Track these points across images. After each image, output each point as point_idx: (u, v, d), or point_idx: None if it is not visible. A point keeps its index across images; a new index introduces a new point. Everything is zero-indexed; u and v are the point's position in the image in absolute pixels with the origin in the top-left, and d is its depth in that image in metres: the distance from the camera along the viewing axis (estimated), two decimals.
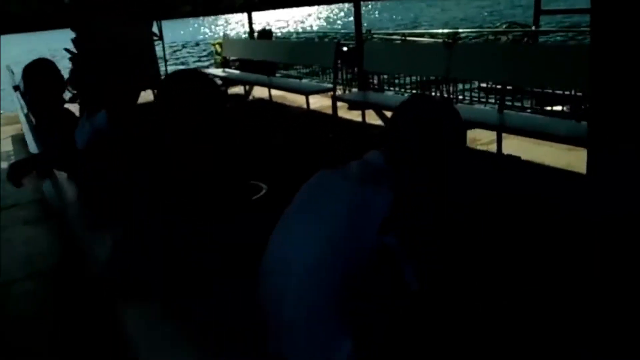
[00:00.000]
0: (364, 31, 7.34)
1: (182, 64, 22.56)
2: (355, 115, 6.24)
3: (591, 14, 1.33)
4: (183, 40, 34.43)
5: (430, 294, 1.32)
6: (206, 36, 27.34)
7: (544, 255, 2.59)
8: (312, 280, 1.22)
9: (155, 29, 9.12)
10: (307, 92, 6.33)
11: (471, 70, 4.69)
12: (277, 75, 9.32)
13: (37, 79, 2.48)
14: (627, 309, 1.47)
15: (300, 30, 25.03)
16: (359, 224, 1.21)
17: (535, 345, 1.95)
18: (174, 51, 30.50)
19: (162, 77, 9.21)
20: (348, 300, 1.21)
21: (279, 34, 13.12)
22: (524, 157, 4.10)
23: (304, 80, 8.63)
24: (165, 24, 9.74)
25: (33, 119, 2.91)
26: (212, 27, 49.50)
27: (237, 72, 9.17)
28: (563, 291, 2.16)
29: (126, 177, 1.84)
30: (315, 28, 36.93)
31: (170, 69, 9.81)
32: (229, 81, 8.98)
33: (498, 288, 2.31)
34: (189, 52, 29.50)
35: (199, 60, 22.46)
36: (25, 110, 3.18)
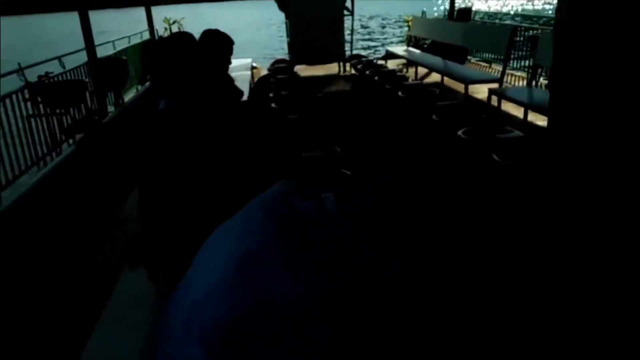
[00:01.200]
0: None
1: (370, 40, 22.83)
2: (520, 111, 5.67)
3: None
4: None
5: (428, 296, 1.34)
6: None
7: (544, 255, 2.46)
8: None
9: (348, 3, 9.34)
10: (466, 81, 5.95)
11: None
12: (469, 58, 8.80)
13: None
14: (627, 309, 1.49)
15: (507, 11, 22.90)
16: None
17: (535, 345, 1.92)
18: (384, 26, 30.97)
19: (349, 52, 9.53)
20: None
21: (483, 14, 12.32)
22: None
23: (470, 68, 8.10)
24: None
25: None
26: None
27: (417, 52, 8.95)
28: (563, 291, 2.13)
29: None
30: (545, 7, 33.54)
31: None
32: (409, 62, 8.77)
33: (498, 288, 2.25)
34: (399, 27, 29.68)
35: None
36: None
